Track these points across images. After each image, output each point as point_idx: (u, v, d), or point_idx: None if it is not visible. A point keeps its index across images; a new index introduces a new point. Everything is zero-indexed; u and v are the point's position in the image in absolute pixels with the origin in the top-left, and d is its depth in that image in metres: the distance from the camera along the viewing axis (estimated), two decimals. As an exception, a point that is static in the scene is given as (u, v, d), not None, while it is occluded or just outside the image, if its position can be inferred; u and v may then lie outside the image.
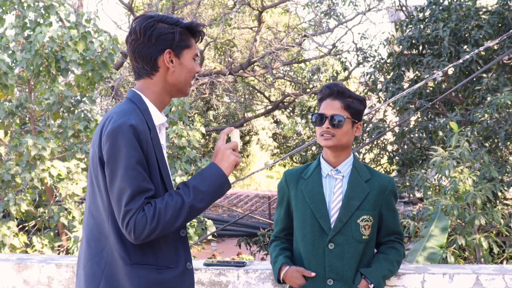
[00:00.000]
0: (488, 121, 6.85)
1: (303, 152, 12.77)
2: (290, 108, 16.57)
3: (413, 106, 8.63)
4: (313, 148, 12.61)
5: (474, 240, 5.33)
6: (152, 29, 1.99)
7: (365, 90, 10.79)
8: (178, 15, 14.85)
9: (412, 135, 9.11)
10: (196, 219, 6.87)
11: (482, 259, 5.51)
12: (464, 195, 5.29)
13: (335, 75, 14.44)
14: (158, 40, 1.99)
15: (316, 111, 14.93)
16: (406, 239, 7.39)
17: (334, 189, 2.44)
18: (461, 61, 6.64)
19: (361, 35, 13.60)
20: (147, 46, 2.00)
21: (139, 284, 1.91)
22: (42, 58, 6.49)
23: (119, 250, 1.91)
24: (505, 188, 6.70)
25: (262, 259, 9.58)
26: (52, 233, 6.84)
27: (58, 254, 6.94)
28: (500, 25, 8.22)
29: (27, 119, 7.39)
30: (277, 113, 19.87)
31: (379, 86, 9.52)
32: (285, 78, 15.81)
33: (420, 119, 9.22)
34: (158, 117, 2.04)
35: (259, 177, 24.29)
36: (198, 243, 7.20)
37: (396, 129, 9.33)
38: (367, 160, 11.07)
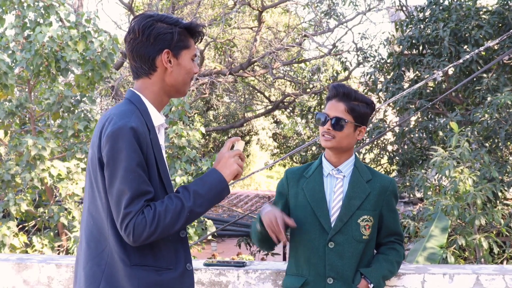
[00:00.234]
0: (488, 121, 6.84)
1: (303, 152, 12.78)
2: (290, 108, 16.57)
3: (413, 106, 8.62)
4: (313, 148, 12.62)
5: (474, 240, 5.33)
6: (150, 28, 1.98)
7: (365, 90, 10.79)
8: (178, 15, 14.85)
9: (412, 135, 9.11)
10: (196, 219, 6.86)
11: (482, 259, 5.51)
12: (464, 195, 5.29)
13: (335, 75, 14.44)
14: (156, 40, 1.98)
15: (316, 111, 14.92)
16: (406, 239, 7.39)
17: (335, 188, 2.45)
18: (461, 61, 6.64)
19: (361, 35, 13.62)
20: (145, 46, 1.98)
21: (139, 285, 1.90)
22: (42, 58, 6.48)
23: (118, 251, 1.91)
24: (505, 188, 6.70)
25: (262, 259, 9.58)
26: (52, 233, 6.84)
27: (58, 254, 6.94)
28: (500, 25, 8.22)
29: (27, 119, 7.38)
30: (277, 113, 19.86)
31: (379, 86, 9.52)
32: (285, 78, 15.80)
33: (420, 119, 9.22)
34: (157, 118, 2.03)
35: (259, 177, 24.28)
36: (198, 243, 7.20)
37: (396, 129, 9.33)
38: (367, 160, 11.07)
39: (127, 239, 1.87)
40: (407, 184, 8.57)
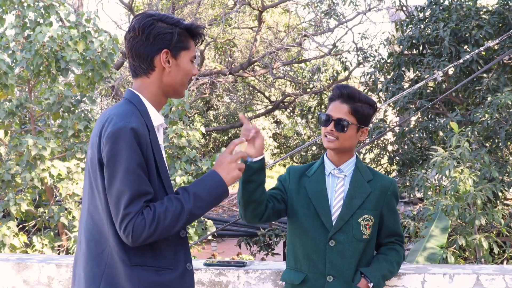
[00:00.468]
0: (489, 121, 6.84)
1: (303, 152, 12.79)
2: (290, 108, 16.57)
3: (413, 106, 8.62)
4: (313, 148, 12.62)
5: (475, 240, 5.33)
6: (150, 27, 1.97)
7: (365, 90, 10.79)
8: (178, 15, 14.86)
9: (412, 135, 9.11)
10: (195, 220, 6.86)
11: (483, 259, 5.51)
12: (464, 195, 5.29)
13: (336, 75, 14.45)
14: (156, 39, 1.97)
15: (317, 111, 14.86)
16: (406, 239, 7.39)
17: (336, 188, 2.46)
18: (461, 61, 6.64)
19: (361, 35, 13.61)
20: (144, 45, 1.98)
21: (139, 285, 1.90)
22: (42, 58, 6.48)
23: (118, 251, 1.90)
24: (506, 188, 6.70)
25: (262, 259, 9.58)
26: (52, 233, 6.84)
27: (58, 254, 6.94)
28: (500, 25, 8.21)
29: (27, 119, 7.38)
30: (277, 113, 19.86)
31: (380, 86, 9.51)
32: (285, 78, 15.80)
33: (420, 119, 9.22)
34: (157, 118, 2.02)
35: (259, 177, 24.23)
36: (198, 243, 7.19)
37: (397, 129, 9.33)
38: (367, 160, 11.07)
39: (126, 240, 1.86)
40: (407, 184, 8.57)
